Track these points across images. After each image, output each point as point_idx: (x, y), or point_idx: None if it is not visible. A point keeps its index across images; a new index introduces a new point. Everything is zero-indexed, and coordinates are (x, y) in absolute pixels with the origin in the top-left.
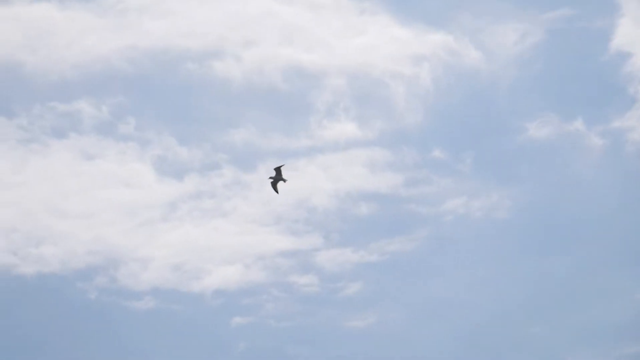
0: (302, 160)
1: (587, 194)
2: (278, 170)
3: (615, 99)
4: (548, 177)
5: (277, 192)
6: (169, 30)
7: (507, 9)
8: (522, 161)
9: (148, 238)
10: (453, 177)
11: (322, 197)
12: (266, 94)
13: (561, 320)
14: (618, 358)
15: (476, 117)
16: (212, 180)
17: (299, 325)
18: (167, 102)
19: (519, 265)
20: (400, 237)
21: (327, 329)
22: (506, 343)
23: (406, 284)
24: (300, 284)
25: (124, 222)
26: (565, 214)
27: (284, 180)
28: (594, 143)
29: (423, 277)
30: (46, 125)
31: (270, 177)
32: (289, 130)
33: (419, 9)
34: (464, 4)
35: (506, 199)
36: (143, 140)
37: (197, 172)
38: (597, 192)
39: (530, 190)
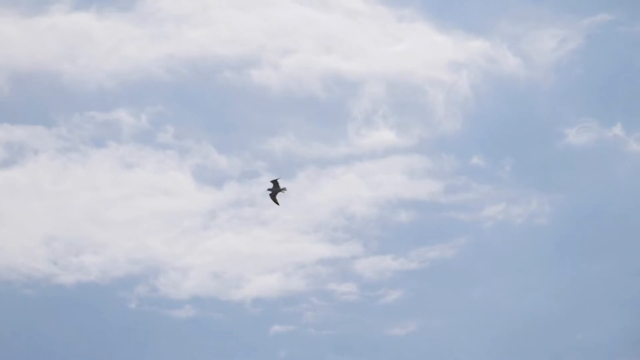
0: (341, 168)
1: (627, 200)
2: (275, 182)
3: None
4: (587, 183)
5: (277, 203)
6: (207, 39)
7: (546, 15)
8: (562, 167)
9: (188, 247)
10: (492, 183)
11: (362, 204)
12: (305, 102)
13: (603, 327)
14: None
15: (515, 123)
16: (252, 188)
17: (339, 333)
18: (205, 110)
19: (559, 272)
20: (440, 244)
21: (367, 337)
22: (547, 350)
23: (446, 291)
24: (340, 292)
25: (163, 230)
26: (605, 219)
27: (283, 190)
28: (633, 149)
29: (463, 284)
30: (85, 134)
31: (269, 190)
32: (328, 138)
33: (458, 16)
34: (503, 11)
35: (546, 206)
36: (182, 149)
37: (236, 181)
38: (637, 198)
39: (570, 196)
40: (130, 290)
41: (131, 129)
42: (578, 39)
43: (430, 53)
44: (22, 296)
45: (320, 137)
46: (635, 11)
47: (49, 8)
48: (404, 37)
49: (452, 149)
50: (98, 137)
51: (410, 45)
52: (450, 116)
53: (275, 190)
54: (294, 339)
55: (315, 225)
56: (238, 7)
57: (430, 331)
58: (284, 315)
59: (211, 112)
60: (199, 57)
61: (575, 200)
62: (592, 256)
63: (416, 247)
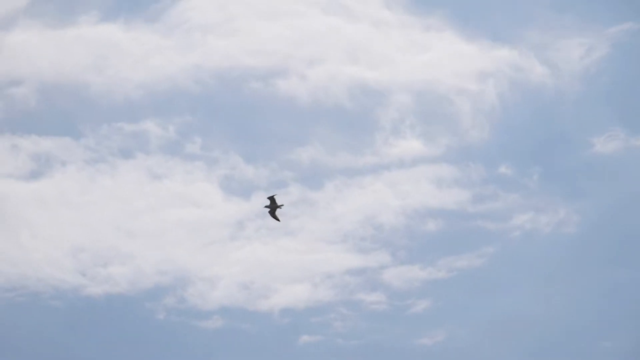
0: (369, 178)
1: None
2: (272, 199)
3: None
4: (615, 192)
5: (278, 220)
6: (234, 49)
7: (572, 24)
8: (589, 176)
9: (216, 257)
10: (520, 192)
11: (389, 214)
12: (332, 112)
13: (630, 335)
14: None
15: (542, 132)
16: (279, 198)
17: (367, 343)
18: (233, 121)
19: (588, 280)
20: (468, 254)
21: (395, 347)
22: (577, 358)
23: (474, 300)
24: (368, 301)
25: (191, 241)
26: (634, 228)
27: (280, 206)
28: None
29: (491, 293)
30: (113, 145)
31: (266, 207)
32: (355, 148)
33: (484, 25)
34: (529, 20)
35: (574, 214)
36: (209, 160)
37: (263, 191)
38: None
39: (598, 204)
40: (158, 301)
41: (159, 139)
42: (604, 48)
43: (457, 62)
44: (50, 307)
45: (347, 146)
46: None
47: (76, 19)
48: (431, 46)
49: (479, 158)
50: (126, 148)
51: (437, 54)
52: (478, 125)
53: (272, 207)
54: (323, 349)
55: (343, 235)
56: (265, 17)
57: (458, 340)
58: (312, 326)
59: (238, 122)
60: (226, 68)
61: (603, 209)
62: (620, 265)
63: (444, 257)
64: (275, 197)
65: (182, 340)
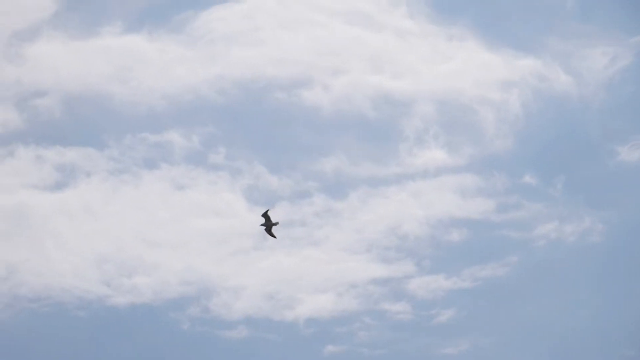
0: (393, 188)
1: None
2: (265, 215)
3: None
4: None
5: (274, 237)
6: (258, 60)
7: (596, 33)
8: (614, 185)
9: (240, 267)
10: (544, 202)
11: (413, 224)
12: (355, 122)
13: None
14: None
15: (566, 141)
16: (303, 208)
17: (392, 353)
18: (256, 131)
19: (613, 290)
20: (493, 263)
21: (420, 357)
22: None
23: (499, 309)
24: (393, 311)
25: (215, 251)
26: None
27: (275, 224)
28: None
29: (516, 303)
30: (137, 156)
31: (262, 225)
32: (379, 158)
33: (508, 35)
34: (552, 29)
35: (599, 223)
36: (233, 170)
37: (287, 201)
38: None
39: (623, 213)
40: (182, 311)
41: (183, 150)
42: (629, 57)
43: (480, 72)
44: (74, 318)
45: (371, 156)
46: None
47: (100, 30)
48: (454, 55)
49: (503, 167)
50: (150, 159)
51: (460, 63)
52: (502, 135)
53: (268, 224)
54: (348, 359)
55: (367, 245)
56: (288, 27)
57: (483, 350)
58: (337, 335)
59: (262, 132)
60: (250, 78)
61: (628, 218)
62: None
63: (469, 266)
64: (269, 212)
65: (206, 350)
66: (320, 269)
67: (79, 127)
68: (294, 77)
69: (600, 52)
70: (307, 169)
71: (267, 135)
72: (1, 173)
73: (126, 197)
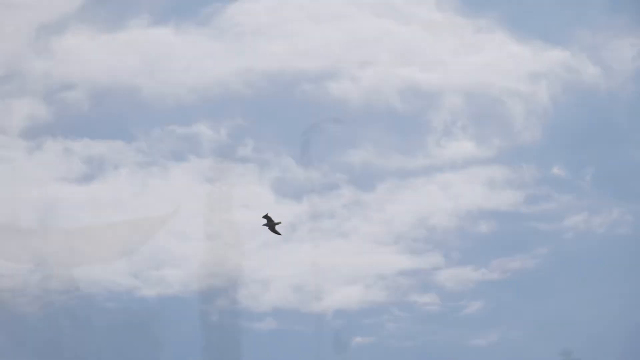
0: (421, 179)
1: None
2: (267, 217)
3: None
4: None
5: (279, 234)
6: (285, 52)
7: (624, 24)
8: None
9: (268, 259)
10: (573, 193)
11: (442, 215)
12: (383, 114)
13: None
14: None
15: (595, 133)
16: (331, 200)
17: (420, 344)
18: (284, 123)
19: None
20: (521, 255)
21: (448, 348)
22: (630, 359)
23: (528, 301)
24: (421, 303)
25: (244, 243)
26: None
27: (278, 223)
28: None
29: (544, 294)
30: (165, 148)
31: (264, 225)
32: (407, 150)
33: (536, 26)
34: (581, 20)
35: (627, 215)
36: (261, 162)
37: (315, 193)
38: None
39: None
40: (211, 303)
41: (211, 142)
42: None
43: (508, 63)
44: (104, 309)
45: (399, 148)
46: None
47: (127, 23)
48: (482, 47)
49: (532, 159)
50: (178, 151)
51: (488, 56)
52: (530, 126)
53: (270, 224)
54: (375, 350)
55: (396, 237)
56: (315, 20)
57: (511, 342)
58: (365, 327)
59: (290, 124)
60: (277, 70)
61: None
62: None
63: (497, 258)
64: (269, 215)
65: (235, 341)
66: (348, 260)
67: (107, 120)
68: (322, 69)
69: (629, 44)
70: (335, 161)
71: (295, 127)
72: (30, 166)
73: (154, 190)
